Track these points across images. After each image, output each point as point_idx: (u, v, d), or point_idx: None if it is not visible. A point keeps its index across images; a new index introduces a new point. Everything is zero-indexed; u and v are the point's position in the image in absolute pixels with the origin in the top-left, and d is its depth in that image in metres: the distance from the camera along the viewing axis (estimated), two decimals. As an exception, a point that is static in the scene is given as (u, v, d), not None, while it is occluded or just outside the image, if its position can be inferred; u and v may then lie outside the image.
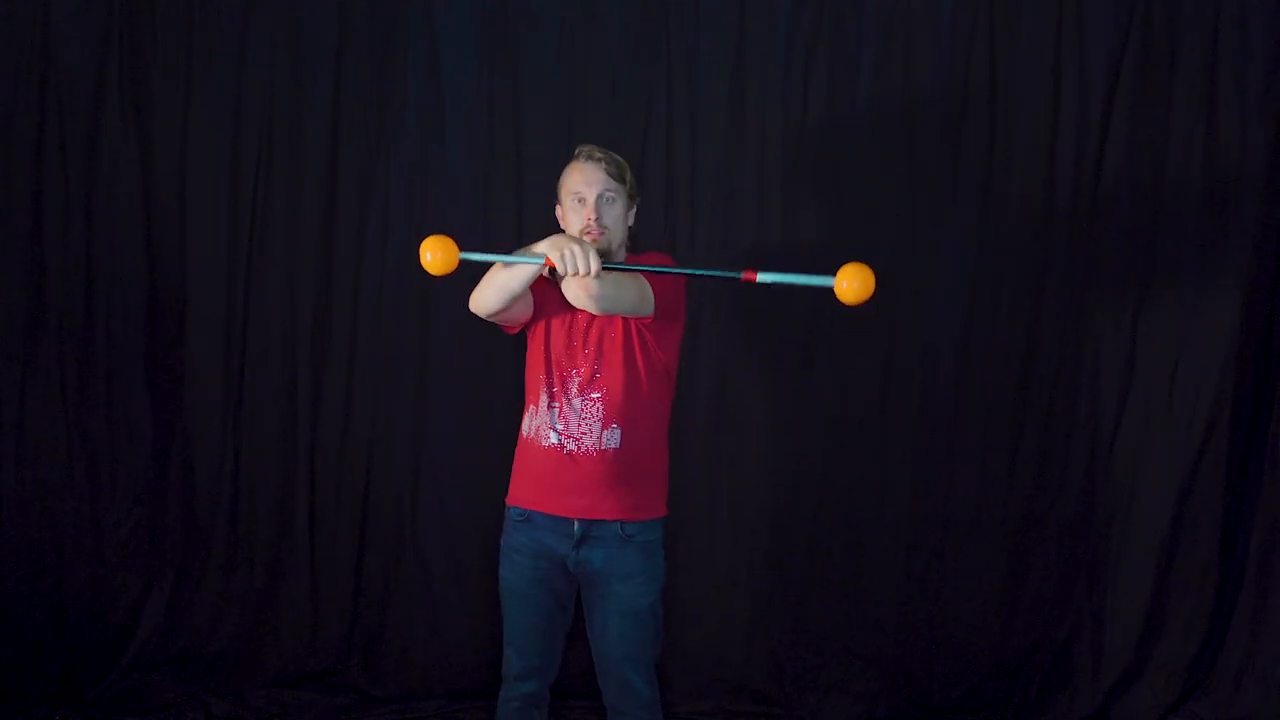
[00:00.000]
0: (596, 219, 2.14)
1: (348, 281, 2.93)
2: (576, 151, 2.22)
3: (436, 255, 2.01)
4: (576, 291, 2.03)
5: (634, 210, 2.25)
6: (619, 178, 2.19)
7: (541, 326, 2.21)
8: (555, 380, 2.15)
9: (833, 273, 1.93)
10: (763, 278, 1.96)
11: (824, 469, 2.90)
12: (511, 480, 2.24)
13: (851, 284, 1.90)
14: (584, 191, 2.16)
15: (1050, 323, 2.85)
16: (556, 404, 2.14)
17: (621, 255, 2.23)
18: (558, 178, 2.28)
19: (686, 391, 2.69)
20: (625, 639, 2.15)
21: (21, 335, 2.88)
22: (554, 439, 2.14)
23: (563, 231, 2.18)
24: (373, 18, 2.87)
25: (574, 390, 2.13)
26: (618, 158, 2.21)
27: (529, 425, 2.20)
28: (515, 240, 2.88)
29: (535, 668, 2.22)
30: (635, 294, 2.07)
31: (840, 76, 2.83)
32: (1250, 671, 2.83)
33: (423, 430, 2.93)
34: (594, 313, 2.09)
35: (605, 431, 2.12)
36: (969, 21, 2.80)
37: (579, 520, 2.13)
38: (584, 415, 2.13)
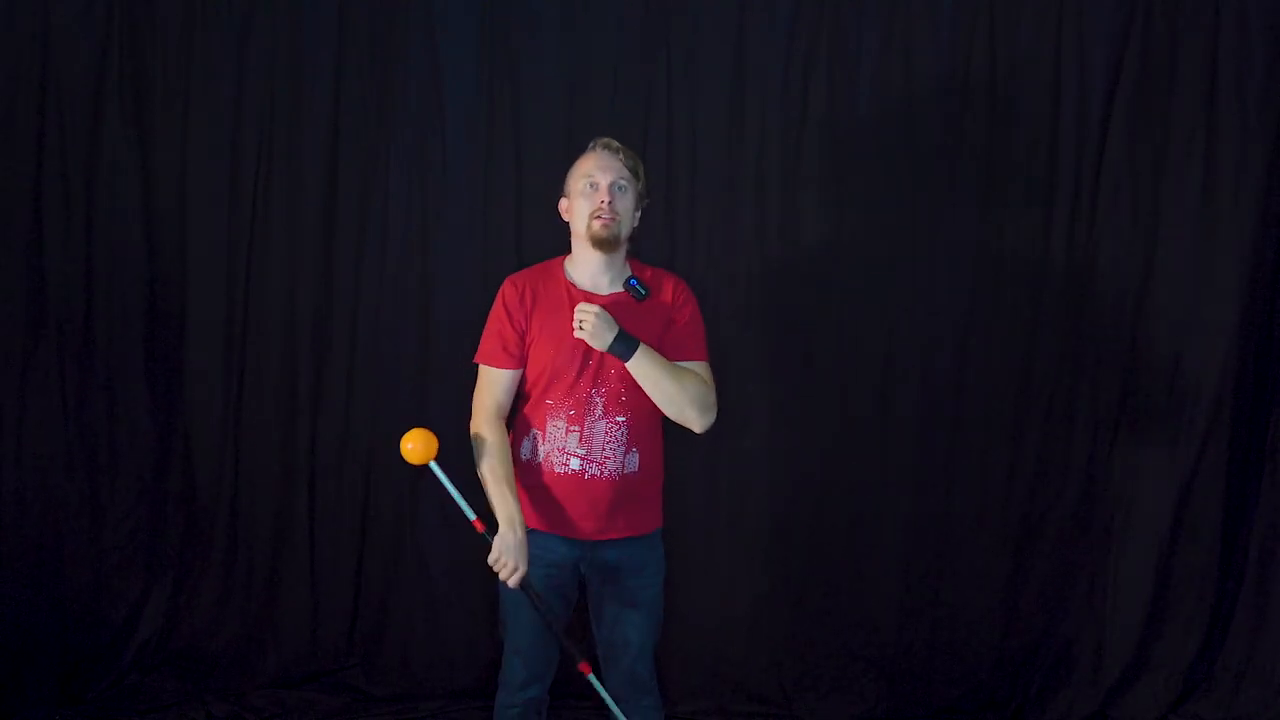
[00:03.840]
0: (609, 203, 2.10)
1: (348, 281, 2.93)
2: (593, 143, 2.19)
3: (417, 446, 2.09)
4: (690, 425, 2.13)
5: (639, 212, 2.22)
6: (634, 171, 2.17)
7: (547, 357, 2.13)
8: (576, 404, 2.11)
9: None
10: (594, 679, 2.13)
11: (824, 469, 2.90)
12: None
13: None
14: (598, 177, 2.12)
15: (1050, 322, 2.85)
16: (578, 428, 2.10)
17: (623, 252, 2.21)
18: (557, 177, 2.27)
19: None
20: (639, 629, 2.17)
21: (21, 336, 2.88)
22: (575, 464, 2.10)
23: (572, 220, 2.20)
24: (373, 18, 2.87)
25: (598, 414, 2.11)
26: (635, 154, 2.20)
27: (535, 450, 2.15)
28: (514, 241, 2.88)
29: (540, 673, 2.22)
30: (713, 394, 2.15)
31: (840, 76, 2.83)
32: (1250, 671, 2.83)
33: (422, 430, 2.93)
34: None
35: (627, 455, 2.12)
36: (969, 21, 2.80)
37: (590, 540, 2.14)
38: (609, 438, 2.11)
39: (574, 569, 2.17)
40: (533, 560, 2.13)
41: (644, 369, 2.06)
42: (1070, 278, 2.84)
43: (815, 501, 2.91)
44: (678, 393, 2.07)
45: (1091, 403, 2.86)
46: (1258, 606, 2.84)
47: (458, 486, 2.12)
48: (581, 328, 2.05)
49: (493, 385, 2.18)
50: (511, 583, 2.05)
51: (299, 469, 2.96)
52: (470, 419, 2.18)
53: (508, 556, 2.04)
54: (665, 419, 2.21)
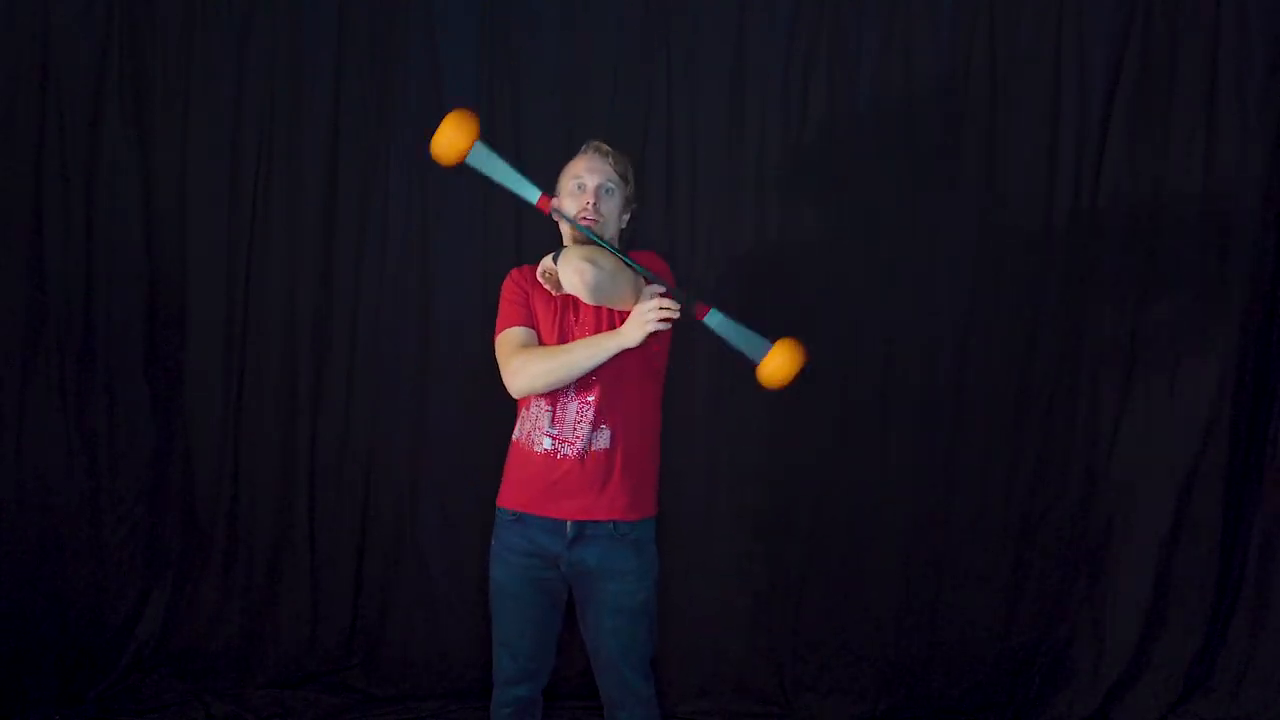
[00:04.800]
0: (594, 204, 2.14)
1: (348, 281, 2.93)
2: (585, 145, 2.24)
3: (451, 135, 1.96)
4: (572, 278, 2.01)
5: (628, 215, 2.25)
6: (623, 175, 2.21)
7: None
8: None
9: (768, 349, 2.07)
10: (710, 319, 2.04)
11: (824, 469, 2.90)
12: (503, 483, 2.23)
13: (775, 365, 2.05)
14: (586, 179, 2.17)
15: (1050, 322, 2.85)
16: (551, 408, 2.13)
17: None
18: (557, 177, 2.28)
19: (686, 390, 2.70)
20: (619, 635, 2.15)
21: (21, 335, 2.88)
22: (548, 444, 2.13)
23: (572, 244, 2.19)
24: (373, 18, 2.87)
25: (570, 394, 2.13)
26: (625, 158, 2.23)
27: (521, 430, 2.19)
28: (514, 241, 2.89)
29: (528, 671, 2.20)
30: (630, 292, 2.06)
31: (840, 76, 2.83)
32: (1250, 671, 2.83)
33: (422, 430, 2.93)
34: (586, 301, 2.06)
35: (594, 432, 2.12)
36: (969, 21, 2.80)
37: (572, 521, 2.13)
38: (579, 417, 2.12)
39: (556, 565, 2.16)
40: (517, 549, 2.15)
41: (569, 252, 2.06)
42: (1070, 278, 2.84)
43: (815, 500, 2.91)
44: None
45: (1091, 403, 2.86)
46: (1258, 606, 2.83)
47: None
48: (544, 275, 2.13)
49: (513, 339, 2.18)
50: (665, 313, 1.99)
51: (299, 469, 2.96)
52: (502, 394, 2.18)
53: (657, 306, 1.99)
54: (653, 408, 2.21)
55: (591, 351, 2.05)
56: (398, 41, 2.87)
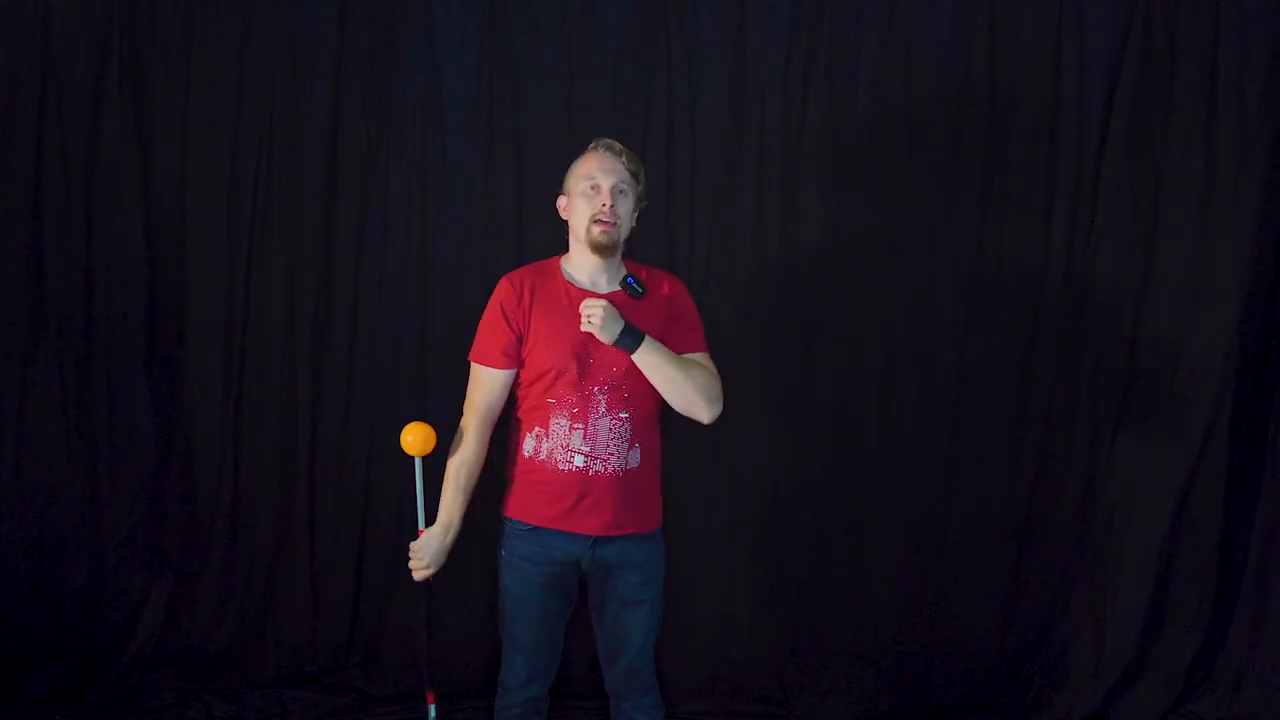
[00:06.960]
0: (611, 206, 2.10)
1: (348, 281, 2.93)
2: (594, 143, 2.19)
3: (416, 439, 2.17)
4: (698, 415, 2.13)
5: (636, 214, 2.23)
6: (635, 174, 2.17)
7: (549, 357, 2.13)
8: (579, 402, 2.11)
9: None
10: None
11: (824, 469, 2.90)
12: (515, 497, 2.20)
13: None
14: (600, 179, 2.12)
15: (1050, 322, 2.85)
16: (581, 425, 2.11)
17: (619, 254, 2.22)
18: (557, 177, 2.27)
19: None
20: (640, 627, 2.19)
21: (21, 335, 2.88)
22: (579, 462, 2.11)
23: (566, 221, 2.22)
24: (373, 18, 2.87)
25: (601, 410, 2.11)
26: (636, 156, 2.20)
27: (535, 446, 2.15)
28: (514, 242, 2.88)
29: (540, 671, 2.22)
30: (719, 384, 2.18)
31: (840, 76, 2.83)
32: (1250, 671, 2.83)
33: (422, 430, 2.92)
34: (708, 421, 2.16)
35: (630, 451, 2.12)
36: (969, 21, 2.80)
37: (595, 535, 2.13)
38: (612, 435, 2.11)
39: (575, 567, 2.17)
40: (534, 558, 2.14)
41: (651, 360, 2.06)
42: (1071, 278, 2.84)
43: (815, 501, 2.91)
44: (686, 382, 2.07)
45: (1091, 403, 2.86)
46: (1258, 606, 2.84)
47: (427, 491, 2.22)
48: (590, 321, 2.04)
49: (487, 385, 2.18)
50: (417, 578, 2.19)
51: (299, 469, 2.96)
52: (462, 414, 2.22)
53: (425, 554, 2.16)
54: (663, 416, 2.22)
55: (444, 500, 2.23)
56: (398, 41, 2.86)
